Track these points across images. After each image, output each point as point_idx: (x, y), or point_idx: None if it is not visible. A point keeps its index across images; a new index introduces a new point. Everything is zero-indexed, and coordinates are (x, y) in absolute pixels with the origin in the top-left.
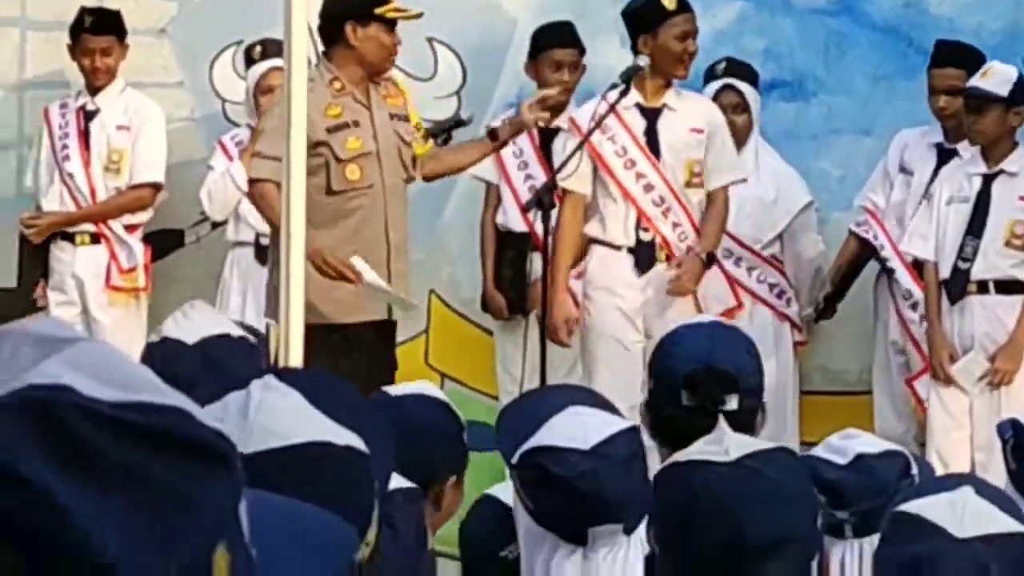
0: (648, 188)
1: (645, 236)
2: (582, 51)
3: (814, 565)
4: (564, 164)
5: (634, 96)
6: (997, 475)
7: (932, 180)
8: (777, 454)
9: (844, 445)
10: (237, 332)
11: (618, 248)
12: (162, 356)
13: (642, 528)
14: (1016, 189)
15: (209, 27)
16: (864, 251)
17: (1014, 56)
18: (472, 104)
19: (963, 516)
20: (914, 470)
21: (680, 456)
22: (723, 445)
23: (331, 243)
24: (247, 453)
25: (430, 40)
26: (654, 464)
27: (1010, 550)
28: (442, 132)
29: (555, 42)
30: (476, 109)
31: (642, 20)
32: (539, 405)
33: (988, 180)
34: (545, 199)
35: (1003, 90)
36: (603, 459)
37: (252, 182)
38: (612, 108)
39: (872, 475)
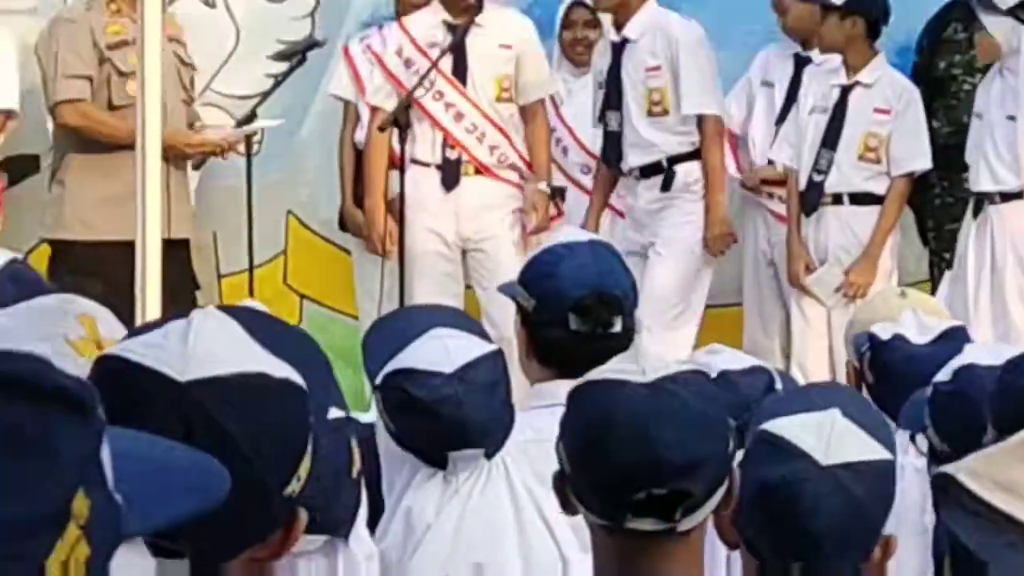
0: (459, 117)
1: (451, 154)
2: None
3: (723, 487)
4: (420, 83)
5: (441, 13)
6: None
7: (791, 89)
8: (693, 376)
9: (708, 361)
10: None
11: (427, 165)
12: None
13: (503, 453)
14: (872, 101)
15: None
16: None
17: None
18: (326, 25)
19: (829, 441)
20: (778, 386)
21: (595, 375)
22: (639, 365)
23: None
24: (185, 380)
25: None
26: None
27: (874, 477)
28: (296, 54)
29: None
30: (330, 31)
31: None
32: (404, 326)
33: (846, 91)
34: (401, 118)
35: None
36: (466, 383)
37: (66, 103)
38: (435, 64)
39: (735, 392)
